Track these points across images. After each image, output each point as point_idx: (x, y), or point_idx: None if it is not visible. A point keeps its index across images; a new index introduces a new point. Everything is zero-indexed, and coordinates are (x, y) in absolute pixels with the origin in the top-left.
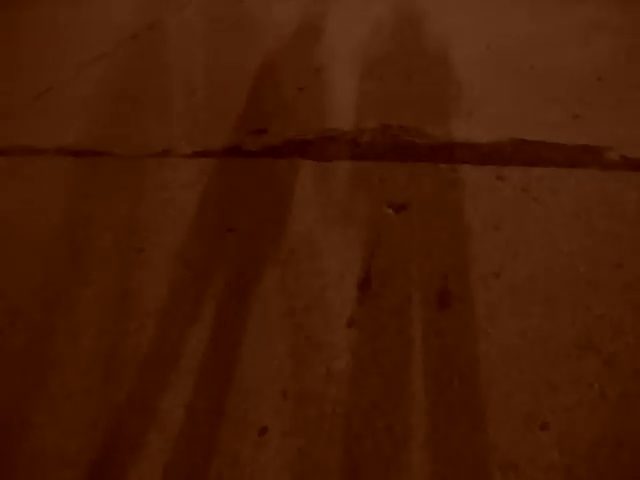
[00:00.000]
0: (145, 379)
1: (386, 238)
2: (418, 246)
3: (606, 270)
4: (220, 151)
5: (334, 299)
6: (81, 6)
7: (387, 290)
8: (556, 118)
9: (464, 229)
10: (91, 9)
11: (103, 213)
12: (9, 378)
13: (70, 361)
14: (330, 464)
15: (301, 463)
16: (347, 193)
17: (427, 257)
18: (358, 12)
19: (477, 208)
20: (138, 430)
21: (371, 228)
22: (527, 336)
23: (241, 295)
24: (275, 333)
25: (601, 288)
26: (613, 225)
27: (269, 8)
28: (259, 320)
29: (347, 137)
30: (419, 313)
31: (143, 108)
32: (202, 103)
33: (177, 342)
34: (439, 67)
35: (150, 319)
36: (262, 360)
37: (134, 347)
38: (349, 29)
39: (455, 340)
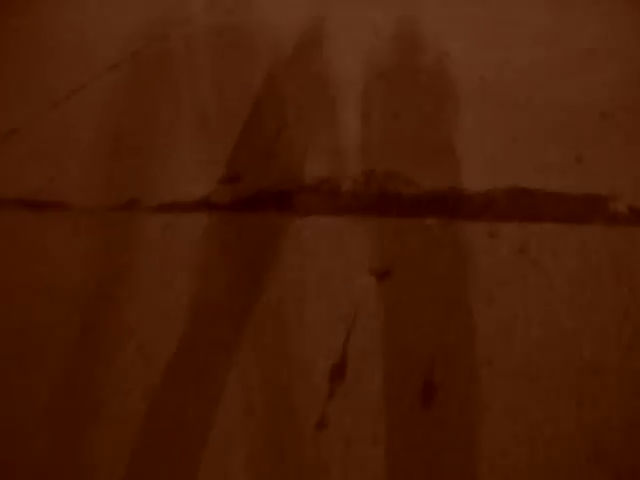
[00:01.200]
0: None
1: (365, 313)
2: (401, 324)
3: (615, 353)
4: (187, 204)
5: (302, 392)
6: (58, 34)
7: (364, 381)
8: (556, 161)
9: (454, 302)
10: (66, 36)
11: (60, 275)
12: None
13: None
14: None
15: None
16: (323, 256)
17: (411, 338)
18: (348, 42)
19: (468, 275)
20: None
21: (349, 300)
22: (524, 442)
23: (194, 385)
24: (234, 435)
25: (609, 376)
26: (622, 296)
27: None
28: (214, 418)
29: (327, 186)
30: (400, 412)
31: (111, 153)
32: (170, 147)
33: None
34: (430, 103)
35: None
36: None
37: None
38: (337, 60)
39: (441, 446)
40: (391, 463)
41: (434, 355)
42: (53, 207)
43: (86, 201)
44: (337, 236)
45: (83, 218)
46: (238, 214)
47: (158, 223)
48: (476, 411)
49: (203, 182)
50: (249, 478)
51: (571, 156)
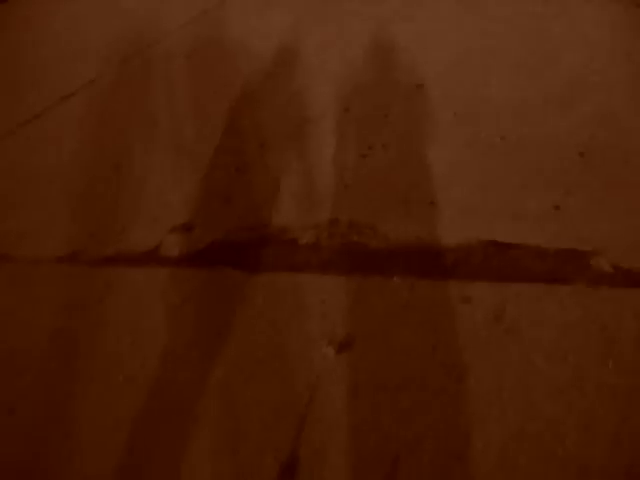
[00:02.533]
0: None
1: (322, 394)
2: (361, 412)
3: (602, 445)
4: (134, 256)
5: None
6: (24, 53)
7: None
8: (533, 209)
9: (421, 382)
10: (24, 66)
11: None
12: None
13: None
14: None
15: None
16: (277, 322)
17: (374, 427)
18: (319, 70)
19: (437, 347)
20: None
21: (303, 379)
22: None
23: None
24: None
25: (596, 475)
26: (608, 373)
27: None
28: None
29: (287, 237)
30: None
31: (47, 199)
32: (120, 186)
33: None
34: (399, 141)
35: None
36: None
37: None
38: (306, 90)
39: None
40: None
41: (398, 452)
42: None
43: (25, 252)
44: (295, 297)
45: (20, 271)
46: (188, 269)
47: (101, 279)
48: None
49: (153, 230)
50: None
51: (549, 203)
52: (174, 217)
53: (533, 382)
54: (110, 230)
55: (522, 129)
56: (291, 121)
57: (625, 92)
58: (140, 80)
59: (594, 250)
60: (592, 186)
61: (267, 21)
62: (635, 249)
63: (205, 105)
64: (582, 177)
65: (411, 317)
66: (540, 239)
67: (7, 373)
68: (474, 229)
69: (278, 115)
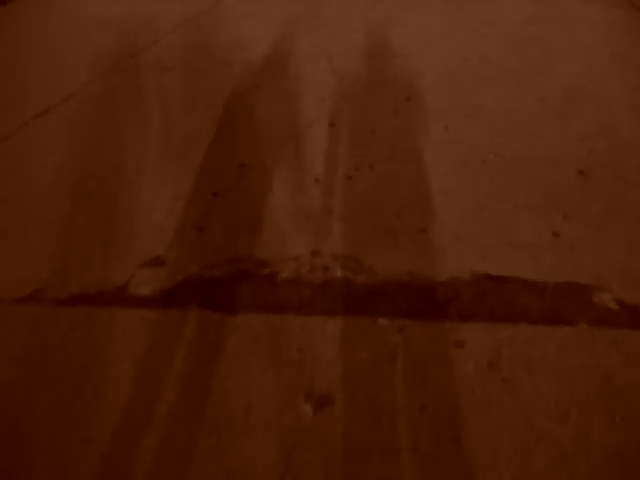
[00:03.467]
0: None
1: (298, 460)
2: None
3: None
4: (101, 295)
5: None
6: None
7: None
8: (529, 237)
9: (409, 444)
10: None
11: None
12: None
13: None
14: None
15: None
16: (253, 370)
17: None
18: (306, 80)
19: (428, 405)
20: None
21: (279, 442)
22: None
23: None
24: None
25: None
26: (614, 430)
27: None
28: None
29: (265, 271)
30: None
31: (8, 229)
32: (86, 219)
33: None
34: (388, 161)
35: None
36: None
37: None
38: (293, 104)
39: None
40: None
41: None
42: None
43: None
44: (272, 342)
45: None
46: (158, 310)
47: (65, 320)
48: None
49: (123, 265)
50: None
51: (546, 229)
52: (145, 250)
53: (532, 445)
54: (76, 264)
55: (517, 144)
56: (274, 139)
57: (624, 101)
58: (124, 91)
59: (596, 284)
60: (592, 209)
61: (257, 26)
62: None
63: (185, 121)
64: (581, 199)
65: (399, 367)
66: (537, 271)
67: None
68: (466, 260)
69: (261, 132)
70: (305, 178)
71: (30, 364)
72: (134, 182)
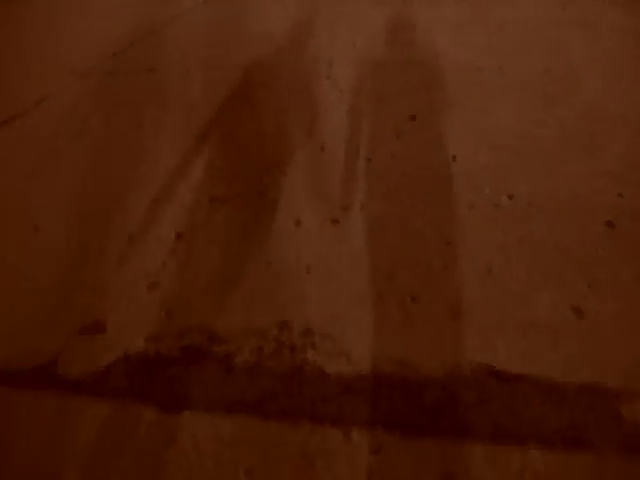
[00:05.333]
0: None
1: None
2: None
3: None
4: (23, 372)
5: None
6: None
7: None
8: (546, 315)
9: None
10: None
11: None
12: None
13: None
14: None
15: None
16: None
17: None
18: (300, 92)
19: None
20: None
21: None
22: None
23: None
24: None
25: None
26: None
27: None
28: None
29: (221, 350)
30: None
31: None
32: (20, 277)
33: None
34: (382, 201)
35: None
36: None
37: None
38: (282, 115)
39: None
40: None
41: None
42: None
43: None
44: (216, 458)
45: None
46: (84, 398)
47: None
48: None
49: (53, 332)
50: None
51: (566, 305)
52: (85, 310)
53: None
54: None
55: (535, 183)
56: (254, 164)
57: None
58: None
59: (627, 388)
60: (623, 276)
61: (259, 29)
62: None
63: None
64: (610, 261)
65: None
66: (554, 367)
67: None
68: (467, 345)
69: (240, 155)
70: (281, 222)
71: None
72: (85, 216)
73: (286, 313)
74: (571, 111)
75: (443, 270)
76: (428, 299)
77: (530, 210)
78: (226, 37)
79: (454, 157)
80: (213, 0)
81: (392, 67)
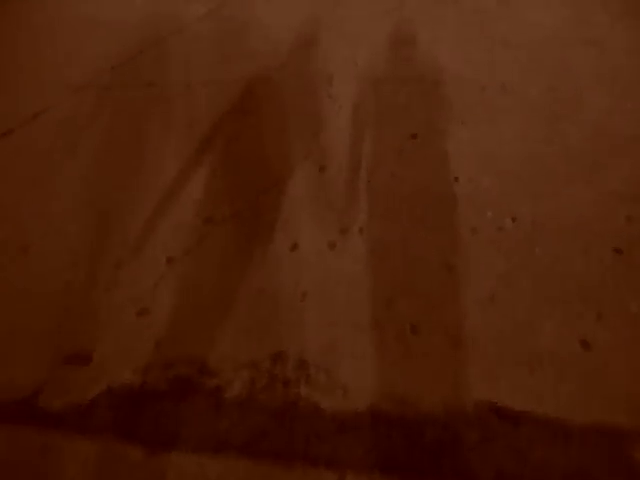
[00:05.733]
0: None
1: None
2: None
3: None
4: (5, 403)
5: None
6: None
7: None
8: (552, 347)
9: None
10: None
11: None
12: None
13: None
14: None
15: None
16: None
17: None
18: (298, 109)
19: None
20: None
21: None
22: None
23: None
24: None
25: None
26: None
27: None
28: None
29: (211, 384)
30: None
31: None
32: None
33: None
34: (382, 223)
35: None
36: None
37: None
38: (280, 133)
39: None
40: None
41: None
42: None
43: None
44: None
45: None
46: (67, 434)
47: None
48: None
49: (37, 361)
50: None
51: (573, 336)
52: (70, 338)
53: None
54: None
55: (540, 206)
56: (251, 184)
57: None
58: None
59: (636, 427)
60: (633, 307)
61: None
62: None
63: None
64: (619, 291)
65: None
66: (561, 405)
67: None
68: (469, 379)
69: (238, 174)
70: (278, 244)
71: None
72: (76, 235)
73: (280, 343)
74: (576, 130)
75: (444, 297)
76: (428, 329)
77: (534, 234)
78: (226, 52)
79: (456, 178)
80: (214, 15)
81: (393, 84)
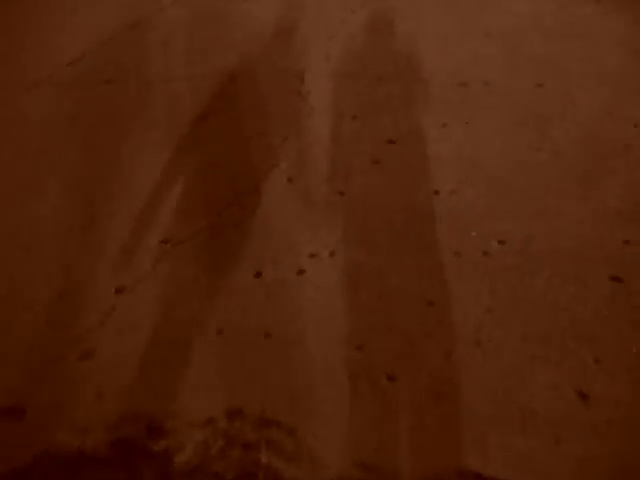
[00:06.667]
0: None
1: None
2: None
3: None
4: None
5: None
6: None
7: None
8: (545, 401)
9: None
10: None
11: None
12: None
13: None
14: None
15: None
16: None
17: None
18: (269, 118)
19: None
20: None
21: None
22: None
23: None
24: None
25: None
26: None
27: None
28: None
29: (158, 446)
30: None
31: None
32: None
33: None
34: (354, 245)
35: None
36: None
37: None
38: (249, 141)
39: None
40: None
41: None
42: None
43: None
44: None
45: None
46: None
47: None
48: None
49: None
50: None
51: (569, 386)
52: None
53: None
54: None
55: (528, 226)
56: (212, 198)
57: None
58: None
59: None
60: (635, 346)
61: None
62: None
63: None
64: (618, 326)
65: None
66: (557, 473)
67: None
68: (453, 443)
69: (198, 187)
70: (240, 271)
71: None
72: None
73: (239, 396)
74: (565, 133)
75: (424, 338)
76: (407, 377)
77: (523, 259)
78: (190, 46)
79: (436, 191)
80: (182, 2)
81: (368, 81)
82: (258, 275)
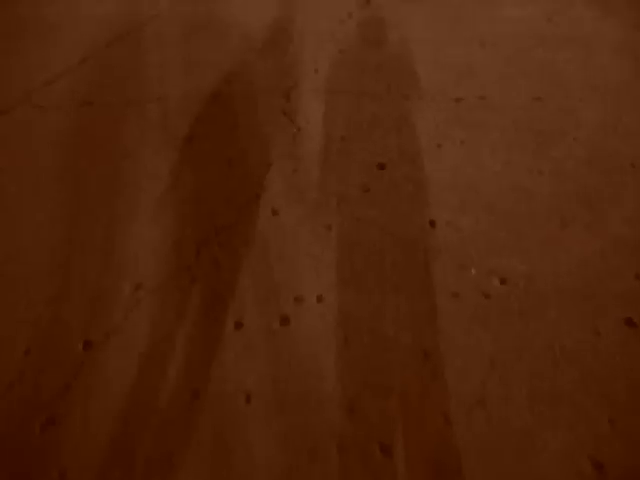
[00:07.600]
0: None
1: None
2: None
3: None
4: None
5: None
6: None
7: None
8: (555, 470)
9: None
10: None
11: None
12: None
13: None
14: None
15: None
16: None
17: None
18: (249, 143)
19: None
20: None
21: None
22: None
23: None
24: None
25: None
26: None
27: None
28: None
29: None
30: None
31: None
32: None
33: None
34: (342, 289)
35: None
36: None
37: None
38: (243, 159)
39: None
40: None
41: None
42: None
43: None
44: None
45: None
46: None
47: None
48: None
49: None
50: None
51: (583, 454)
52: None
53: None
54: None
55: (531, 261)
56: (190, 235)
57: None
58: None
59: None
60: None
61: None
62: None
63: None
64: (634, 379)
65: None
66: None
67: None
68: None
69: (175, 223)
70: (219, 322)
71: None
72: None
73: (216, 472)
74: (567, 153)
75: (420, 398)
76: (402, 447)
77: (528, 300)
78: (172, 64)
79: (432, 222)
80: (165, 18)
81: (358, 98)
82: (239, 326)
